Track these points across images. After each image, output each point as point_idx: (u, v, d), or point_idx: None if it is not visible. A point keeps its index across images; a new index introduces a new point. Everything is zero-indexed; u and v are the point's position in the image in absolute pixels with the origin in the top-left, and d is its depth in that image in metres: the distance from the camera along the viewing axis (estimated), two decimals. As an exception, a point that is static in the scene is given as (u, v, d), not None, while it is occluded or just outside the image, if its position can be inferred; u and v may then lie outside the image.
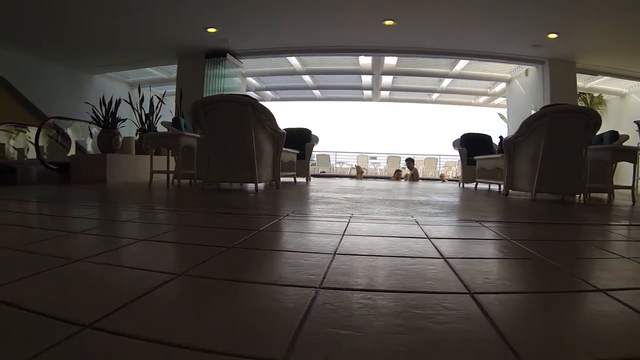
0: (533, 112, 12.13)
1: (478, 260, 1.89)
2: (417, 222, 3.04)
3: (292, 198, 5.08)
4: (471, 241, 2.49)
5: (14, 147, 10.96)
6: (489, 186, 8.89)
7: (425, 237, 2.39)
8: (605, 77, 14.15)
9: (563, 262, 1.82)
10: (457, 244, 2.37)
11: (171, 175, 7.04)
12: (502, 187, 7.23)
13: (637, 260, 1.92)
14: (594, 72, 13.26)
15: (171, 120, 7.72)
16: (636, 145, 9.24)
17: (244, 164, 5.71)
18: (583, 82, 14.82)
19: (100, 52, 12.38)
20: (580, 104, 15.79)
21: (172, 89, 14.21)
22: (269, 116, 5.91)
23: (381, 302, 1.25)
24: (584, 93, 15.98)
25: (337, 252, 1.89)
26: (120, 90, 15.01)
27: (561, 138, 5.61)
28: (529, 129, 5.93)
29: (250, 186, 6.77)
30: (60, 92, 13.15)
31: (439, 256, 1.88)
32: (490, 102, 19.40)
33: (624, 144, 6.88)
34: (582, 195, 5.82)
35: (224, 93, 7.71)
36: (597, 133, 6.23)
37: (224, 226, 2.69)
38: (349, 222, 2.91)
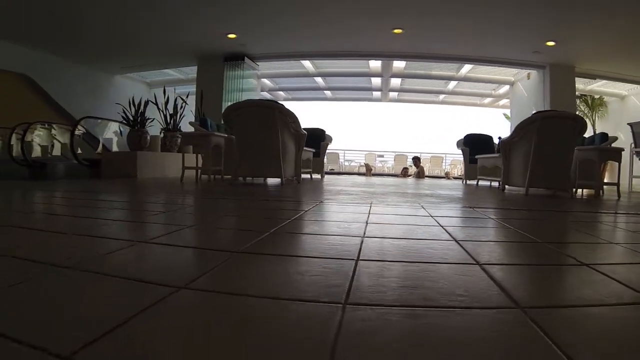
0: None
1: (461, 226, 2.83)
2: (422, 207, 3.93)
3: (316, 191, 5.96)
4: (463, 218, 3.38)
5: (39, 145, 11.62)
6: (490, 183, 9.62)
7: (429, 215, 3.27)
8: (604, 81, 14.78)
9: (533, 233, 2.70)
10: (453, 220, 3.24)
11: (198, 171, 7.91)
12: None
13: (598, 240, 2.80)
14: (593, 76, 14.00)
15: (198, 121, 8.54)
16: (630, 147, 10.08)
17: (270, 161, 6.58)
18: (583, 85, 15.52)
19: (123, 55, 13.22)
20: (582, 105, 16.53)
21: (188, 88, 14.91)
22: (293, 119, 6.80)
23: (399, 244, 2.12)
24: (585, 95, 16.61)
25: (368, 222, 2.76)
26: (138, 90, 15.78)
27: (550, 140, 6.41)
28: (521, 132, 6.75)
29: (271, 181, 7.67)
30: (82, 92, 13.90)
31: (437, 224, 2.76)
32: (495, 103, 20.09)
33: (614, 144, 7.69)
34: (570, 190, 6.62)
35: (253, 99, 8.40)
36: (590, 135, 7.11)
37: (278, 208, 3.56)
38: (370, 206, 3.80)
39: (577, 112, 15.89)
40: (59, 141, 11.71)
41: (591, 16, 9.05)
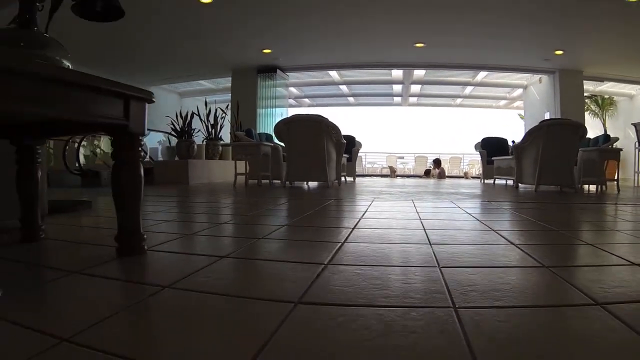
0: (547, 115, 14.05)
1: (481, 212, 4.03)
2: (451, 201, 5.18)
3: (361, 191, 7.24)
4: (482, 208, 4.60)
5: (83, 154, 12.66)
6: (506, 182, 10.75)
7: (457, 207, 4.50)
8: (612, 82, 15.72)
9: (535, 216, 3.93)
10: (476, 209, 4.45)
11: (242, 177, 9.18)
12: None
13: (596, 224, 4.03)
14: (601, 79, 15.02)
15: (244, 132, 9.76)
16: (635, 146, 11.18)
17: (317, 167, 7.84)
18: (593, 86, 16.48)
19: (162, 68, 14.44)
20: (593, 105, 17.53)
21: (219, 97, 16.20)
22: (336, 130, 8.06)
23: (441, 221, 3.36)
24: (595, 95, 17.52)
25: (417, 211, 4.00)
26: (171, 100, 17.09)
27: (555, 144, 7.61)
28: (531, 137, 7.96)
29: (312, 184, 8.86)
30: None
31: (463, 212, 3.99)
32: (510, 105, 21.03)
33: (620, 141, 8.89)
34: (574, 186, 7.80)
35: (301, 113, 9.41)
36: (596, 135, 8.38)
37: (347, 199, 4.81)
38: (414, 201, 5.06)
39: (587, 112, 17.01)
40: (103, 151, 12.73)
41: (595, 26, 10.05)
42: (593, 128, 16.92)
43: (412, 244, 2.38)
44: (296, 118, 8.22)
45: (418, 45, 11.95)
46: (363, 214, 3.77)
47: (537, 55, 12.58)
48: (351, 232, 2.78)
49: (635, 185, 10.91)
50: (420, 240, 2.48)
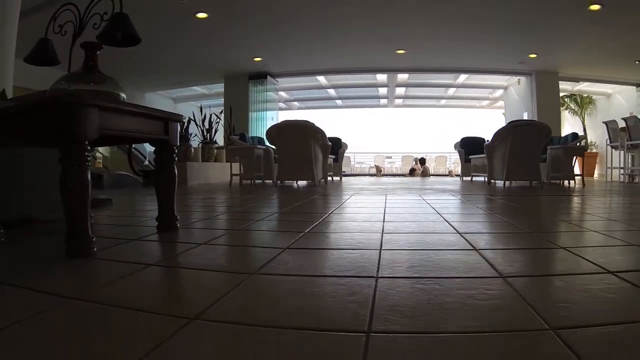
0: (525, 115, 14.96)
1: (441, 204, 4.92)
2: (420, 195, 6.08)
3: (344, 188, 8.16)
4: (443, 200, 5.47)
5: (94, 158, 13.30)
6: (484, 178, 11.44)
7: (423, 200, 5.39)
8: (588, 82, 16.62)
9: (483, 206, 4.83)
10: (438, 201, 5.33)
11: (234, 177, 10.04)
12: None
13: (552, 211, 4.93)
14: (577, 80, 15.97)
15: (238, 135, 10.61)
16: (606, 143, 12.04)
17: (305, 167, 8.69)
18: (571, 86, 17.41)
19: (157, 75, 15.26)
20: (572, 104, 18.41)
21: (212, 102, 17.05)
22: (322, 134, 8.96)
23: (405, 211, 4.25)
24: (574, 94, 18.38)
25: (386, 202, 4.89)
26: (165, 105, 17.91)
27: (522, 143, 8.46)
28: (499, 137, 8.85)
29: (301, 183, 9.68)
30: None
31: (424, 202, 4.88)
32: (493, 105, 21.91)
33: (595, 142, 9.73)
34: (540, 180, 8.68)
35: (290, 119, 9.96)
36: (567, 134, 9.33)
37: (331, 194, 5.70)
38: (387, 195, 5.96)
39: (567, 111, 17.96)
40: (103, 155, 13.38)
41: (564, 32, 10.93)
42: (573, 126, 17.87)
43: (370, 222, 3.31)
44: (286, 123, 9.11)
45: (399, 51, 12.88)
46: (340, 205, 4.68)
47: (513, 58, 13.47)
48: (328, 215, 3.70)
49: (609, 180, 11.72)
50: (379, 219, 3.41)
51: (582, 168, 9.88)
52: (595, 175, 15.87)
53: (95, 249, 2.09)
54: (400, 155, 27.00)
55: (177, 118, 2.85)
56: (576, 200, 5.65)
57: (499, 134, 8.92)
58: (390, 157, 27.83)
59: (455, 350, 1.02)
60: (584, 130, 17.40)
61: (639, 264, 1.91)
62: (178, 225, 2.91)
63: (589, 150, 16.67)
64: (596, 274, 1.69)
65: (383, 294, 1.44)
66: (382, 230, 2.87)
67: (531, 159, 8.58)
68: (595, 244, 2.48)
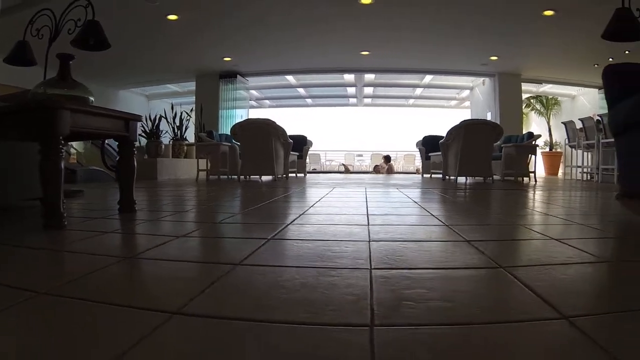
0: (489, 115, 15.61)
1: (378, 195, 5.57)
2: (365, 188, 6.73)
3: (301, 183, 8.86)
4: (382, 192, 6.11)
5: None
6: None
7: (363, 191, 6.03)
8: (551, 84, 17.42)
9: (412, 196, 5.49)
10: (376, 194, 5.96)
11: (203, 173, 10.57)
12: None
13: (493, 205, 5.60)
14: (539, 81, 16.66)
15: (205, 133, 11.16)
16: (564, 142, 12.67)
17: (267, 163, 9.29)
18: (536, 87, 18.12)
19: (130, 73, 15.62)
20: (538, 105, 19.06)
21: (184, 99, 17.72)
22: (282, 132, 9.59)
23: (343, 197, 4.90)
24: (540, 96, 19.12)
25: (330, 192, 5.53)
26: (139, 102, 18.37)
27: (474, 141, 8.98)
28: (452, 135, 9.45)
29: (265, 178, 10.30)
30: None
31: (363, 193, 5.52)
32: (461, 105, 22.59)
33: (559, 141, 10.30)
34: (491, 177, 9.22)
35: (253, 118, 10.05)
36: (525, 132, 10.01)
37: (290, 187, 6.33)
38: (334, 188, 6.62)
39: (533, 111, 18.72)
40: (77, 150, 13.72)
41: (520, 35, 11.50)
42: (540, 126, 18.62)
43: (308, 206, 3.97)
44: (248, 122, 9.73)
45: (363, 53, 13.52)
46: (288, 192, 5.33)
47: (476, 60, 14.10)
48: (277, 198, 4.32)
49: (567, 178, 12.60)
50: (310, 205, 4.05)
51: (535, 165, 10.40)
52: (560, 174, 16.51)
53: (66, 223, 2.72)
54: (370, 153, 27.58)
55: (136, 118, 3.49)
56: (506, 193, 6.39)
57: (451, 132, 9.47)
58: (361, 155, 28.47)
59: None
60: (549, 130, 18.08)
61: (501, 235, 2.63)
62: (136, 208, 3.54)
63: (553, 150, 17.52)
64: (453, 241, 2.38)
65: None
66: (308, 206, 3.51)
67: (482, 157, 9.06)
68: (475, 222, 3.25)
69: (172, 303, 1.23)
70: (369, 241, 2.23)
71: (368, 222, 2.93)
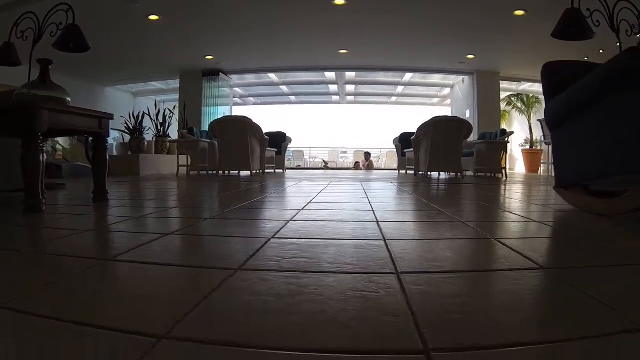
0: (468, 113, 16.07)
1: (345, 188, 6.07)
2: (337, 182, 7.21)
3: (278, 178, 9.35)
4: (351, 185, 6.59)
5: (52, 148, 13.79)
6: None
7: (334, 185, 6.51)
8: (530, 83, 17.62)
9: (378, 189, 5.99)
10: (344, 186, 6.44)
11: (184, 168, 11.06)
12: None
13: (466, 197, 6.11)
14: (518, 80, 17.05)
15: (186, 129, 11.60)
16: (540, 139, 13.07)
17: (243, 159, 9.75)
18: (516, 85, 18.53)
19: (115, 71, 15.90)
20: (519, 103, 19.45)
21: (169, 97, 18.12)
22: (258, 129, 10.04)
23: (308, 189, 5.39)
24: (521, 94, 19.37)
25: (297, 186, 6.01)
26: (125, 99, 18.68)
27: (443, 137, 9.39)
28: (422, 131, 9.83)
29: (243, 173, 10.82)
30: (79, 102, 16.24)
31: (333, 187, 6.01)
32: (443, 103, 22.83)
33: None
34: (461, 172, 9.69)
35: (231, 115, 10.60)
36: (497, 130, 10.45)
37: (265, 183, 6.80)
38: (309, 183, 7.07)
39: (514, 109, 19.15)
40: (62, 147, 14.02)
41: (494, 35, 11.85)
42: (521, 124, 19.07)
43: (262, 194, 4.43)
44: (226, 119, 10.22)
45: (342, 51, 13.96)
46: (264, 184, 5.80)
47: (454, 58, 14.46)
48: (239, 190, 4.81)
49: (544, 175, 12.96)
50: (290, 199, 4.52)
51: (506, 161, 10.93)
52: (540, 171, 16.95)
53: (44, 208, 3.21)
54: (353, 150, 27.85)
55: (109, 116, 3.98)
56: (470, 187, 6.88)
57: (422, 129, 9.84)
58: (345, 152, 28.98)
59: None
60: (530, 128, 18.50)
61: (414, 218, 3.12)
62: (108, 197, 4.01)
63: (534, 148, 17.96)
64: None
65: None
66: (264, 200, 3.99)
67: (452, 153, 9.47)
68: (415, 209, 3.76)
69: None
70: (289, 220, 2.78)
71: (303, 208, 3.44)
